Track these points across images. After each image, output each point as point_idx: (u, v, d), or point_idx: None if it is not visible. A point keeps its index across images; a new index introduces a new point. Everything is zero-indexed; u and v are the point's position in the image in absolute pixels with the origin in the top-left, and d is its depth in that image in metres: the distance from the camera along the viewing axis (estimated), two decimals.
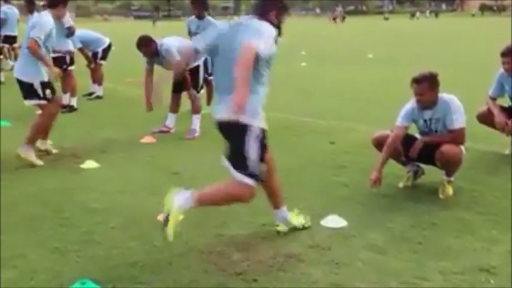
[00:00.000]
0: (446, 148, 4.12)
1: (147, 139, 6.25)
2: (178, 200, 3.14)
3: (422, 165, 4.51)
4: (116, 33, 20.85)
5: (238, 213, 3.81)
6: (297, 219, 3.61)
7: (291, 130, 6.61)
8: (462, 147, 4.23)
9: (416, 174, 4.52)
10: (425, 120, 4.32)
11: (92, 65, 9.26)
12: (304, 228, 3.59)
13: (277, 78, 11.73)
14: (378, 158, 4.29)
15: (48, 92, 5.35)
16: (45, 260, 3.25)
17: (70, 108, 8.14)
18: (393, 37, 27.21)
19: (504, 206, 3.99)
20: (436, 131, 4.32)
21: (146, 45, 6.36)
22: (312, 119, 7.30)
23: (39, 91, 5.30)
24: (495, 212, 3.89)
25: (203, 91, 7.05)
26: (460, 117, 4.19)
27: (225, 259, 3.22)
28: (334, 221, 3.73)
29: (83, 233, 3.63)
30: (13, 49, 12.81)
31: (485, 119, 5.37)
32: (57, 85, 7.29)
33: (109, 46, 9.42)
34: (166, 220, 3.11)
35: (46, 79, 5.37)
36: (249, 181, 3.12)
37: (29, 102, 5.40)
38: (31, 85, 5.30)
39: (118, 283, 2.98)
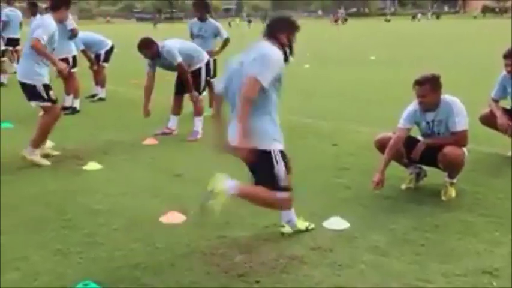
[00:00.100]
0: (448, 150, 4.11)
1: (150, 141, 6.25)
2: (227, 183, 3.26)
3: (425, 167, 4.51)
4: (118, 35, 20.89)
5: (240, 215, 3.81)
6: (303, 223, 3.62)
7: (294, 132, 6.60)
8: (465, 149, 4.23)
9: (419, 176, 4.51)
10: (427, 122, 4.32)
11: (95, 67, 9.28)
12: (307, 230, 3.59)
13: None
14: (380, 160, 4.28)
15: (52, 93, 5.38)
16: (47, 261, 3.25)
17: (73, 110, 8.15)
18: (395, 39, 27.20)
19: (507, 208, 3.98)
20: (438, 133, 4.31)
21: (147, 47, 6.37)
22: (314, 120, 7.30)
23: (43, 93, 5.33)
24: (498, 214, 3.88)
25: (205, 93, 7.06)
26: (462, 120, 4.18)
27: (228, 261, 3.22)
28: (336, 223, 3.73)
29: (85, 234, 3.64)
30: (16, 51, 12.85)
31: (488, 120, 5.37)
32: (60, 86, 7.33)
33: (111, 48, 9.44)
34: (208, 196, 3.23)
35: (48, 81, 5.40)
36: (285, 195, 3.37)
37: (34, 104, 5.42)
38: (34, 87, 5.32)
39: (120, 284, 2.98)
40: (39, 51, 5.19)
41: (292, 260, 3.21)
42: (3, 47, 11.64)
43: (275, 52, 3.24)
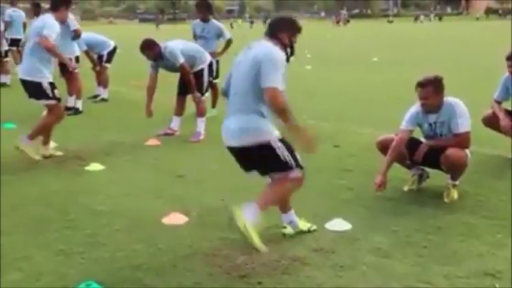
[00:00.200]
0: (451, 152, 4.11)
1: (152, 142, 6.26)
2: (249, 215, 3.17)
3: (427, 169, 4.50)
4: (121, 36, 20.91)
5: None
6: (305, 224, 3.63)
7: None
8: (467, 151, 4.22)
9: (421, 177, 4.51)
10: (430, 124, 4.32)
11: (97, 68, 9.29)
12: (310, 231, 3.59)
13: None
14: (382, 161, 4.28)
15: (57, 91, 5.41)
16: (50, 262, 3.26)
17: (75, 111, 8.16)
18: (398, 40, 27.18)
19: (509, 210, 3.97)
20: (441, 135, 4.31)
21: (150, 48, 6.39)
22: (316, 121, 7.29)
23: (49, 91, 5.36)
24: (500, 216, 3.87)
25: (208, 94, 7.07)
26: (465, 121, 4.18)
27: (230, 262, 3.22)
28: (338, 225, 3.72)
29: (87, 235, 3.64)
30: (18, 52, 12.86)
31: (491, 122, 5.36)
32: (63, 87, 7.34)
33: (114, 49, 9.45)
34: (245, 231, 3.15)
35: (52, 80, 5.43)
36: (297, 173, 3.29)
37: (38, 102, 5.44)
38: (39, 85, 5.34)
39: (122, 285, 2.99)
40: (49, 49, 5.24)
41: (294, 261, 3.20)
42: (6, 47, 11.67)
43: (279, 54, 3.24)
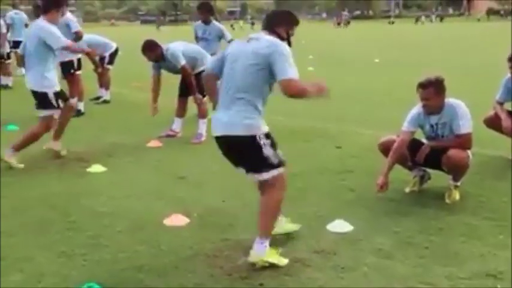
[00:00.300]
0: (453, 153, 4.11)
1: (154, 143, 6.27)
2: (260, 252, 3.17)
3: (429, 170, 4.50)
4: (122, 38, 20.94)
5: (244, 217, 3.82)
6: (284, 227, 3.55)
7: (298, 134, 6.62)
8: (469, 152, 4.22)
9: (423, 179, 4.51)
10: (431, 125, 4.31)
11: (99, 70, 9.28)
12: (287, 234, 3.54)
13: None
14: (384, 162, 4.28)
15: (60, 101, 5.45)
16: (52, 263, 3.26)
17: (77, 113, 8.16)
18: (399, 41, 27.16)
19: (511, 211, 3.97)
20: (442, 136, 4.30)
21: (151, 49, 6.40)
22: (318, 123, 7.30)
23: (54, 101, 5.38)
24: (502, 217, 3.87)
25: None
26: (466, 123, 4.17)
27: (231, 263, 3.22)
28: (340, 226, 3.72)
29: (89, 236, 3.65)
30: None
31: (492, 123, 5.36)
32: (65, 89, 7.34)
33: (116, 51, 9.46)
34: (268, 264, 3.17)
35: (59, 89, 5.49)
36: (279, 170, 3.21)
37: (43, 113, 5.43)
38: (45, 95, 5.36)
39: (124, 286, 2.99)
40: (73, 49, 5.73)
41: (296, 263, 3.20)
42: (8, 50, 11.70)
43: (284, 45, 3.20)
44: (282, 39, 3.27)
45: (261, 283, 2.99)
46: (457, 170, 4.20)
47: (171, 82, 7.07)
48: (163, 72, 6.60)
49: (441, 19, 64.67)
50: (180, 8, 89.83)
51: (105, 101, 9.39)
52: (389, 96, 9.46)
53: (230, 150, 3.30)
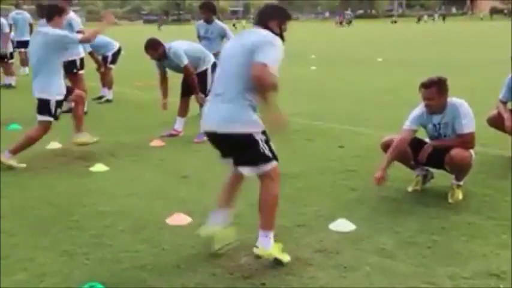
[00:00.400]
0: (455, 152, 4.10)
1: (156, 143, 6.27)
2: (265, 245, 3.20)
3: (432, 170, 4.49)
4: (125, 37, 20.96)
5: (246, 216, 3.82)
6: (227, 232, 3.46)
7: (300, 134, 6.61)
8: (472, 151, 4.21)
9: (426, 178, 4.50)
10: (434, 125, 4.31)
11: (102, 69, 9.32)
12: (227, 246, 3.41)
13: (287, 82, 11.73)
14: (382, 157, 4.26)
15: (59, 111, 5.49)
16: (54, 262, 3.27)
17: None
18: (402, 41, 27.13)
19: None
20: (445, 136, 4.29)
21: (154, 48, 6.42)
22: (321, 122, 7.29)
23: (53, 109, 5.41)
24: (505, 217, 3.86)
25: None
26: (469, 122, 4.16)
27: (233, 262, 3.22)
28: (342, 225, 3.72)
29: (92, 236, 3.65)
30: (25, 53, 12.91)
31: (496, 122, 5.35)
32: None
33: (119, 50, 9.48)
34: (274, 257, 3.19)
35: (61, 98, 5.52)
36: (273, 164, 3.19)
37: (40, 118, 5.46)
38: (47, 102, 5.39)
39: (126, 286, 2.99)
40: (87, 38, 5.71)
41: (298, 262, 3.20)
42: (11, 50, 11.73)
43: (277, 39, 3.16)
44: (275, 34, 3.22)
45: (263, 282, 2.99)
46: (460, 170, 4.19)
47: (173, 82, 7.07)
48: (167, 71, 6.62)
49: (444, 18, 64.47)
50: (183, 8, 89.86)
51: (108, 101, 9.40)
52: (393, 95, 9.44)
53: (223, 145, 3.28)
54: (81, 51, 8.35)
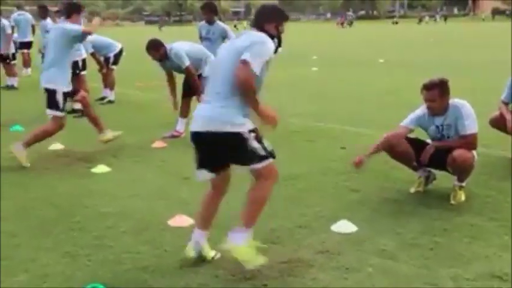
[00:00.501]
0: (458, 153, 4.09)
1: (158, 144, 6.27)
2: (236, 240, 3.10)
3: (434, 171, 4.49)
4: (126, 38, 20.98)
5: None
6: (208, 251, 3.34)
7: (302, 135, 6.61)
8: (474, 153, 4.20)
9: (428, 179, 4.49)
10: (437, 126, 4.30)
11: (104, 70, 9.33)
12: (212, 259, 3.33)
13: (288, 83, 11.72)
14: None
15: (67, 104, 5.52)
16: (56, 264, 3.27)
17: (82, 113, 8.18)
18: (403, 41, 27.11)
19: None
20: (448, 137, 4.29)
21: (155, 48, 6.43)
22: (322, 123, 7.29)
23: (60, 102, 5.44)
24: (508, 218, 3.85)
25: None
26: (471, 123, 4.16)
27: (235, 264, 3.21)
28: (344, 226, 3.72)
29: (94, 237, 3.65)
30: (28, 54, 12.95)
31: (498, 123, 5.34)
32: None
33: (121, 51, 9.49)
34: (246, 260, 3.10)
35: (68, 88, 5.56)
36: (266, 162, 3.11)
37: (49, 112, 5.50)
38: (54, 92, 5.42)
39: (128, 287, 2.99)
40: (90, 31, 5.73)
41: (300, 263, 3.20)
42: (13, 50, 11.75)
43: (270, 42, 3.13)
44: (271, 36, 3.20)
45: (264, 284, 2.99)
46: (462, 171, 4.19)
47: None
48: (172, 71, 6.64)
49: (445, 19, 64.39)
50: (185, 8, 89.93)
51: (110, 102, 9.41)
52: (394, 96, 9.43)
53: (208, 148, 3.22)
54: (83, 52, 8.38)
